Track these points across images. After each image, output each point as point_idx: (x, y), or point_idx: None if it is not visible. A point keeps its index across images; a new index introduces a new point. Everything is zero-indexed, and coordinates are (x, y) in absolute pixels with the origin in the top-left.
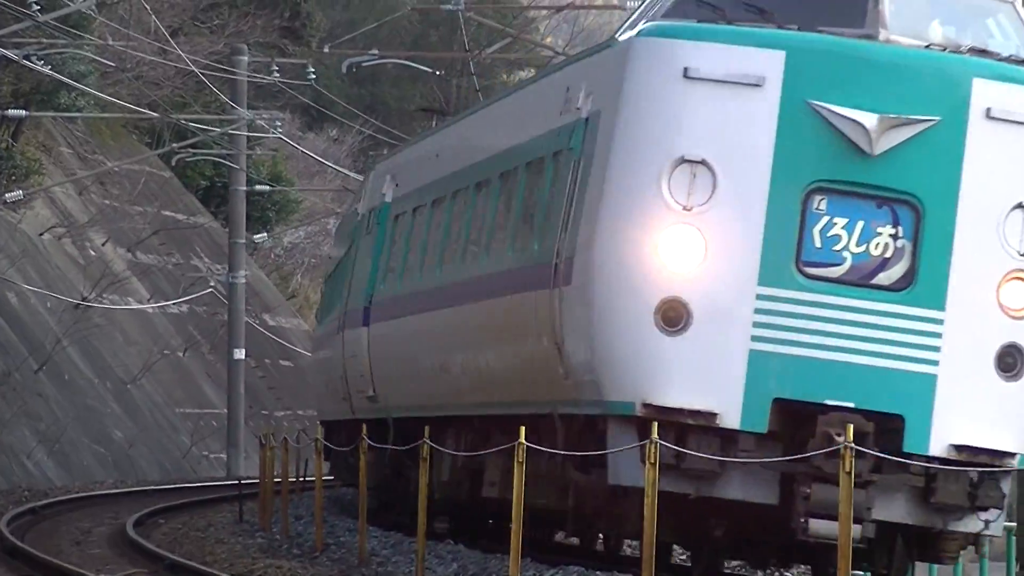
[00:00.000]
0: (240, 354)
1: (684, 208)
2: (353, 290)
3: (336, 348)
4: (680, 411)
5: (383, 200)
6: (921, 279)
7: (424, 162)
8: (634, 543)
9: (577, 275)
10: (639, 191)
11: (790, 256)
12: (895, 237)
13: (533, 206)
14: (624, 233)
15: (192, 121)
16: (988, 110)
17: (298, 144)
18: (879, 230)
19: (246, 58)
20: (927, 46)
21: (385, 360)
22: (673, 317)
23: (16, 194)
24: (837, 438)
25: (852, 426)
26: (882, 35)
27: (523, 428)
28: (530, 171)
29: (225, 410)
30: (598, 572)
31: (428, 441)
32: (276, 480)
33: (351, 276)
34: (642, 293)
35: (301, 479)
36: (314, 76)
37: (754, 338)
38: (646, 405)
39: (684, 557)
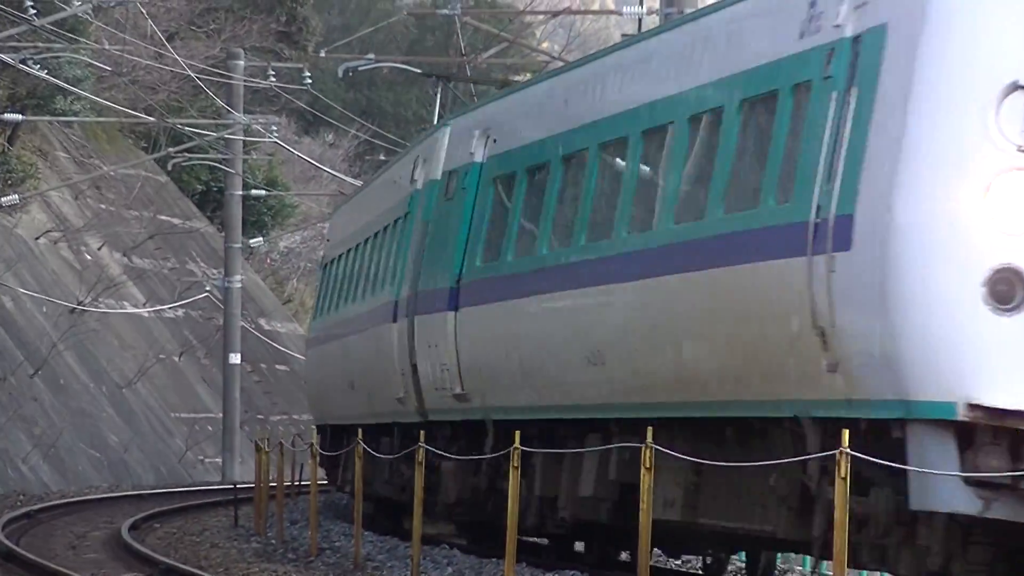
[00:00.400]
0: (236, 358)
1: (1020, 149)
2: (424, 270)
3: (381, 340)
4: (1019, 414)
5: (470, 161)
6: None
7: (542, 111)
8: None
9: (863, 238)
10: (957, 129)
11: None
12: None
13: (758, 153)
14: (937, 183)
15: (188, 125)
16: None
17: (294, 148)
18: None
19: (242, 62)
20: None
21: (486, 351)
22: (1006, 292)
23: (12, 198)
24: None
25: (847, 431)
26: None
27: (517, 433)
28: (747, 110)
29: (220, 414)
30: None
31: (423, 444)
32: (271, 484)
33: (411, 254)
34: (964, 261)
35: (296, 483)
36: (310, 80)
37: None
38: (973, 406)
39: (686, 562)
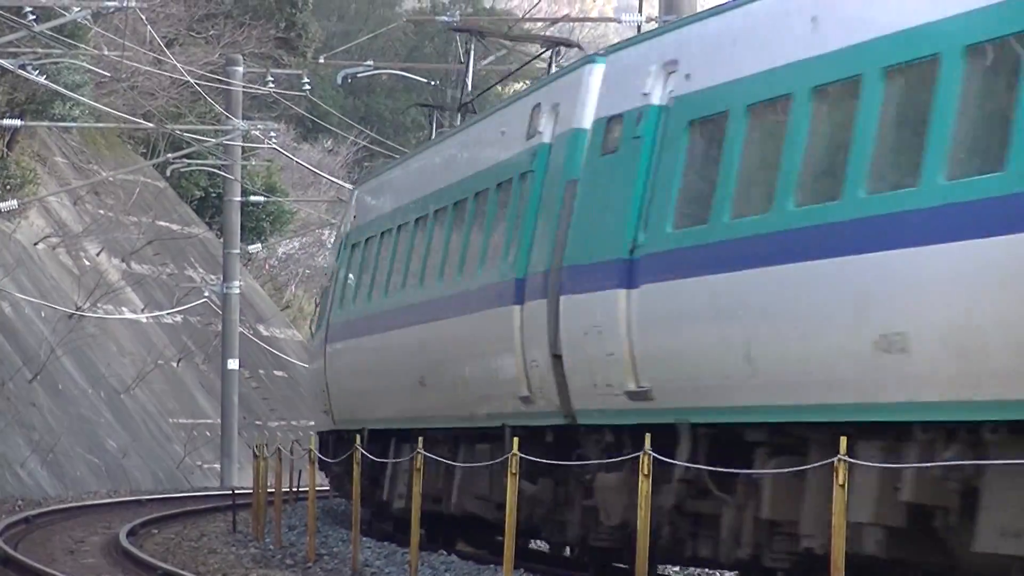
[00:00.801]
0: (234, 364)
1: None
2: (572, 240)
3: (493, 327)
4: None
5: (645, 103)
6: None
7: (773, 34)
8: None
9: None
10: None
11: None
12: None
13: None
14: None
15: (187, 131)
16: None
17: (293, 155)
18: None
19: (241, 68)
20: None
21: (687, 336)
22: None
23: (11, 204)
24: None
25: (845, 438)
26: None
27: (515, 440)
28: None
29: (219, 420)
30: None
31: (420, 451)
32: (270, 490)
33: (545, 221)
34: None
35: (294, 490)
36: (309, 87)
37: None
38: None
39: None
